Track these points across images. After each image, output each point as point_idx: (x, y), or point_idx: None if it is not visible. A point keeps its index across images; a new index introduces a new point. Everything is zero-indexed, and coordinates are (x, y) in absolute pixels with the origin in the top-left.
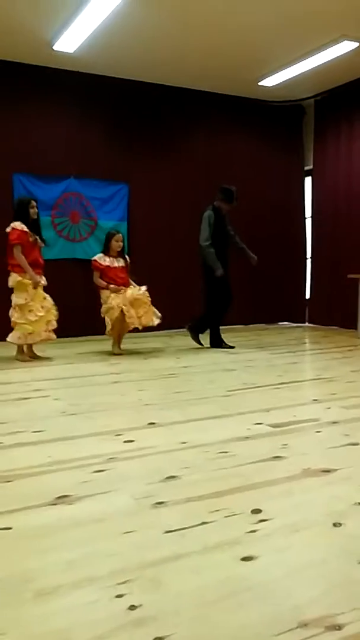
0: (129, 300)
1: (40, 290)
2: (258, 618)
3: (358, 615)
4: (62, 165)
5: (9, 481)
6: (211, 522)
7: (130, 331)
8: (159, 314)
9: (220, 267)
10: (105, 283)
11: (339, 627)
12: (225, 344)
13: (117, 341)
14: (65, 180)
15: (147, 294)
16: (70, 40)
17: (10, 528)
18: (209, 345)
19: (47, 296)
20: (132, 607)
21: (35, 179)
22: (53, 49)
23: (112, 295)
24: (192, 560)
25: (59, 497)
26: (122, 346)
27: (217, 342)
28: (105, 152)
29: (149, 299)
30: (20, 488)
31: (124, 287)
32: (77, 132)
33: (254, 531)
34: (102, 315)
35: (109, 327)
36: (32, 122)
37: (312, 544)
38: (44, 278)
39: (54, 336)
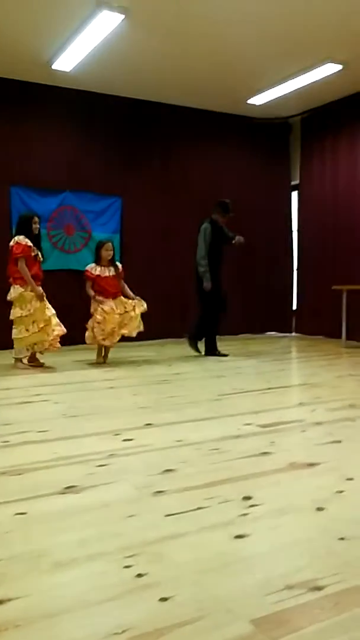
0: (118, 322)
1: (44, 301)
2: (250, 582)
3: (337, 579)
4: (58, 179)
5: (20, 474)
6: (206, 507)
7: (120, 340)
8: (141, 328)
9: (209, 280)
10: (93, 293)
11: (319, 589)
12: (219, 352)
13: (100, 351)
14: (61, 194)
15: (132, 305)
16: (68, 60)
17: (25, 513)
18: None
19: (49, 306)
20: (139, 575)
21: (32, 192)
22: (51, 68)
23: (99, 310)
24: (189, 538)
25: (67, 488)
26: (115, 354)
27: (212, 350)
28: (100, 167)
29: (135, 310)
30: (30, 480)
31: (110, 300)
32: (73, 148)
33: (245, 514)
34: (87, 326)
35: (89, 339)
36: (30, 137)
37: (298, 525)
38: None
39: (58, 345)
